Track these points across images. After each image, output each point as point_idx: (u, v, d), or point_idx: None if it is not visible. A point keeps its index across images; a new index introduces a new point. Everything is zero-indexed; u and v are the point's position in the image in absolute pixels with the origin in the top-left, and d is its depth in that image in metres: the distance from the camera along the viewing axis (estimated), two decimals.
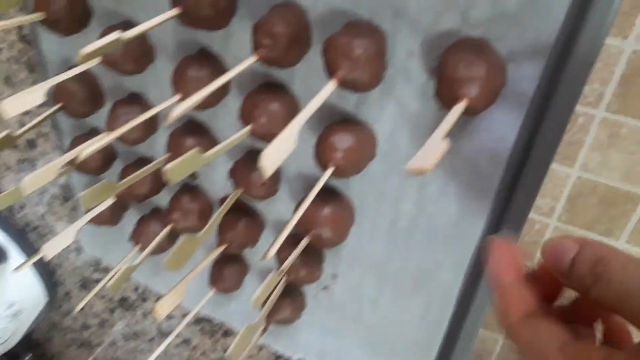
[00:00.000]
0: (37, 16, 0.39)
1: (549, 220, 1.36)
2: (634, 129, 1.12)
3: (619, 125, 1.12)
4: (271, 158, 0.26)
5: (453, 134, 0.33)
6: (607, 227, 1.27)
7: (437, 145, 0.23)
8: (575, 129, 1.16)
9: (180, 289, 0.41)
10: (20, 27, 0.49)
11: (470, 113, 0.29)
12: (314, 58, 0.35)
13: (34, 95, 0.35)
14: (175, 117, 0.27)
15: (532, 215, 1.36)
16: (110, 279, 0.43)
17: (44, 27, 0.41)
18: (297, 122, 0.27)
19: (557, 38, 0.27)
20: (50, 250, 0.42)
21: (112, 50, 0.31)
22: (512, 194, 0.33)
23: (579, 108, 1.13)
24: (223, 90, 0.39)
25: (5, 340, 0.70)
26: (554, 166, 1.27)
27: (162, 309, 0.39)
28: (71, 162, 0.49)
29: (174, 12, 0.33)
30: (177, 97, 0.38)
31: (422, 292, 0.41)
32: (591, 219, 1.27)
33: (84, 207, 0.40)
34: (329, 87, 0.30)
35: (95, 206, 0.46)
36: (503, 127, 0.31)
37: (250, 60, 0.32)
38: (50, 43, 0.46)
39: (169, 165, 0.30)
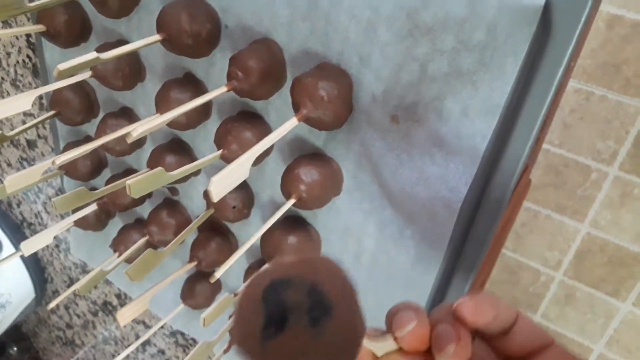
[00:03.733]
0: (39, 27, 0.42)
1: (555, 273, 1.34)
2: None
3: (632, 185, 1.11)
4: (221, 184, 0.27)
5: (410, 180, 0.33)
6: (614, 288, 1.25)
7: None
8: (588, 184, 1.16)
9: (145, 299, 0.42)
10: (28, 35, 0.52)
11: None
12: (288, 92, 0.36)
13: (22, 101, 0.37)
14: (136, 137, 0.29)
15: (539, 266, 1.34)
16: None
17: (45, 39, 0.43)
18: (252, 153, 0.28)
19: (509, 97, 0.28)
20: (28, 247, 0.44)
21: (94, 65, 0.33)
22: (465, 242, 0.33)
23: (592, 164, 1.13)
24: (204, 114, 0.41)
25: None
26: (564, 219, 1.26)
27: (124, 316, 0.40)
28: (61, 167, 0.51)
29: (157, 37, 0.34)
30: (158, 115, 0.39)
31: None
32: (598, 278, 1.25)
33: (57, 211, 0.42)
34: (291, 123, 0.31)
35: (76, 211, 0.47)
36: (456, 178, 0.31)
37: (221, 90, 0.33)
38: (54, 52, 0.49)
39: (132, 180, 0.31)
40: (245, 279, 0.45)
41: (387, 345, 0.21)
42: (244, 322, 0.17)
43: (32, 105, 0.39)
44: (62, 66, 0.29)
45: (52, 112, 0.47)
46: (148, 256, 0.39)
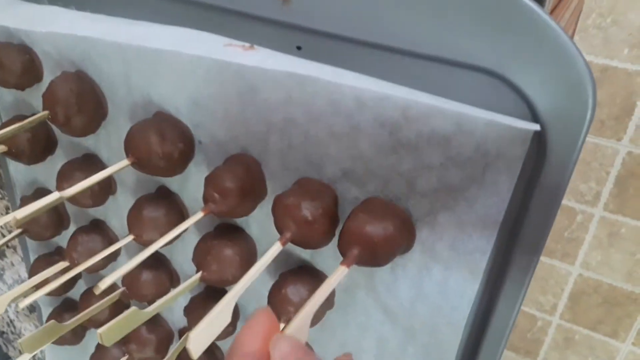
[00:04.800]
0: (0, 148, 0.39)
1: (551, 317, 1.32)
2: (634, 229, 1.10)
3: (618, 225, 1.11)
4: (200, 339, 0.24)
5: (409, 296, 0.31)
6: (612, 329, 1.23)
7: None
8: (575, 227, 1.15)
9: None
10: None
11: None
12: (269, 205, 0.34)
13: None
14: (104, 288, 0.26)
15: (534, 312, 1.31)
16: None
17: (9, 158, 0.41)
18: (231, 297, 0.26)
19: (507, 213, 0.26)
20: None
21: (59, 203, 0.30)
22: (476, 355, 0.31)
23: (577, 206, 1.12)
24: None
25: None
26: (555, 263, 1.25)
27: None
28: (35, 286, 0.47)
29: (125, 162, 0.32)
30: (131, 236, 0.37)
31: None
32: (595, 319, 1.23)
33: (25, 352, 0.38)
34: (275, 248, 0.29)
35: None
36: (458, 295, 0.29)
37: (197, 217, 0.31)
38: (18, 166, 0.46)
39: (103, 328, 0.28)
40: None
41: None
42: None
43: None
44: (19, 214, 0.26)
45: (18, 231, 0.44)
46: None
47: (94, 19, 0.30)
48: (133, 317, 0.30)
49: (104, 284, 0.26)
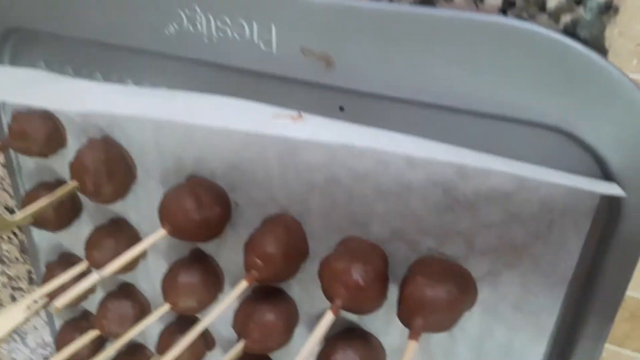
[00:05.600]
0: (26, 220, 0.38)
1: None
2: None
3: None
4: None
5: (471, 357, 0.29)
6: None
7: None
8: None
9: None
10: None
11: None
12: (313, 268, 0.32)
13: (12, 314, 0.33)
14: None
15: None
16: None
17: (35, 227, 0.40)
18: None
19: (576, 272, 0.25)
20: None
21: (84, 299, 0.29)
22: None
23: None
24: (216, 293, 0.37)
25: None
26: None
27: None
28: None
29: (162, 232, 0.31)
30: (167, 305, 0.35)
31: None
32: (622, 334, 1.19)
33: None
34: (328, 319, 0.27)
35: None
36: (524, 356, 0.27)
37: (242, 287, 0.29)
38: (42, 231, 0.45)
39: None
40: None
41: None
42: None
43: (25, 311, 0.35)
44: (59, 303, 0.25)
45: (46, 301, 0.42)
46: None
47: (125, 93, 0.29)
48: None
49: None
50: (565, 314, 0.26)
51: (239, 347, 0.32)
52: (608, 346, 1.29)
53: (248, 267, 0.30)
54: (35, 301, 0.38)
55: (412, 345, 0.24)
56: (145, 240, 0.30)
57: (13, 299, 0.55)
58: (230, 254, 0.35)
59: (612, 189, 0.20)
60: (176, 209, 0.31)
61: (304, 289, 0.34)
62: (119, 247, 0.37)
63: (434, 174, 0.26)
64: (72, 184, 0.34)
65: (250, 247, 0.30)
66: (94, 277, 0.27)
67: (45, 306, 0.41)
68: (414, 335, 0.25)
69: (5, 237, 0.50)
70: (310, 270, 0.33)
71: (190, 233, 0.31)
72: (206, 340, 0.40)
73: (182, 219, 0.31)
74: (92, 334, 0.42)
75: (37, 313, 0.40)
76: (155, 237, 0.30)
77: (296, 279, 0.34)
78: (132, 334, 0.38)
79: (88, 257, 0.37)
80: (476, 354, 0.29)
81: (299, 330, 0.35)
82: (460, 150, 0.24)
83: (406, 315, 0.26)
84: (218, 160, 0.32)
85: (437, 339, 0.30)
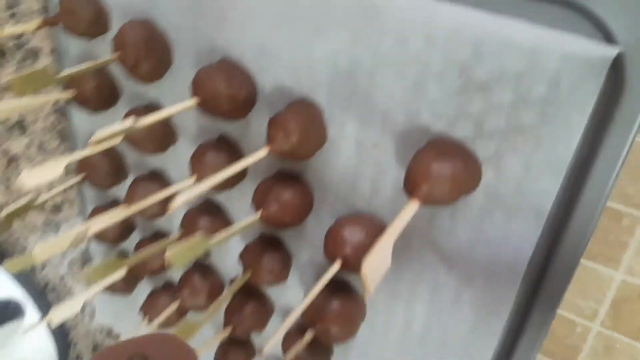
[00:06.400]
0: (68, 94, 0.41)
1: (592, 324, 1.28)
2: None
3: None
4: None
5: (468, 241, 0.31)
6: None
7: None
8: (620, 231, 1.12)
9: None
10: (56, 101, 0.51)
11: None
12: (328, 155, 0.34)
13: (53, 169, 0.36)
14: (176, 206, 0.27)
15: (574, 317, 1.28)
16: None
17: (74, 104, 0.43)
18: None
19: (576, 153, 0.26)
20: (57, 316, 0.42)
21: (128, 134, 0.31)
22: (529, 309, 0.31)
23: (622, 209, 1.10)
24: (240, 175, 0.39)
25: None
26: (598, 267, 1.22)
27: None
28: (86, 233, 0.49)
29: (192, 102, 0.33)
30: (192, 179, 0.38)
31: None
32: (637, 328, 1.19)
33: (86, 282, 0.40)
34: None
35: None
36: (520, 239, 0.29)
37: (261, 154, 0.32)
38: (81, 116, 0.48)
39: (171, 252, 0.30)
40: (283, 346, 0.42)
41: None
42: None
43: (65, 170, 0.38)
44: (97, 136, 0.28)
45: (80, 177, 0.46)
46: (183, 329, 0.37)
47: None
48: (200, 243, 0.31)
49: (176, 204, 0.27)
50: (562, 199, 0.27)
51: (255, 216, 0.35)
52: (622, 338, 1.28)
53: (270, 139, 0.32)
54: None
55: (413, 204, 0.26)
56: (175, 106, 0.32)
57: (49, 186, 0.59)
58: (254, 139, 0.38)
59: (609, 51, 0.22)
60: (207, 82, 0.33)
61: (318, 177, 0.36)
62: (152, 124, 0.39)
63: (451, 54, 0.27)
64: (113, 56, 0.36)
65: (273, 122, 0.32)
66: (127, 122, 0.29)
67: (78, 183, 0.45)
68: (417, 196, 0.27)
69: (46, 125, 0.54)
70: (326, 157, 0.35)
71: (218, 107, 0.34)
72: (227, 224, 0.43)
73: (212, 91, 0.33)
74: (122, 212, 0.45)
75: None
76: (183, 105, 0.33)
77: (311, 167, 0.36)
78: (154, 208, 0.41)
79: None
80: (476, 236, 0.31)
81: (310, 219, 0.38)
82: (480, 13, 0.25)
83: (412, 185, 0.28)
84: (249, 42, 0.34)
85: (439, 223, 0.32)
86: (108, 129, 0.28)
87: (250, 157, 0.32)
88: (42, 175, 0.36)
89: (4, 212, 0.39)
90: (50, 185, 0.58)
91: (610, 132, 0.25)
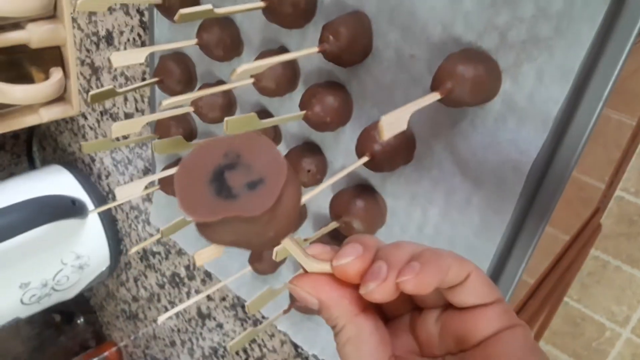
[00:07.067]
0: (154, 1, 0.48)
1: (622, 330, 1.27)
2: None
3: None
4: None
5: (482, 145, 0.36)
6: None
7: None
8: None
9: (220, 248, 0.46)
10: (141, 14, 0.59)
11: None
12: (371, 64, 0.39)
13: (137, 55, 0.43)
14: (240, 74, 0.33)
15: (604, 321, 1.27)
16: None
17: (159, 11, 0.49)
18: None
19: (582, 62, 0.30)
20: (121, 194, 0.49)
21: (205, 17, 0.37)
22: (529, 208, 0.35)
23: None
24: (292, 83, 0.45)
25: (65, 289, 0.78)
26: (635, 272, 1.20)
27: (200, 258, 0.43)
28: (156, 131, 0.56)
29: (260, 4, 0.39)
30: (251, 80, 0.44)
31: None
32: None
33: (156, 152, 0.47)
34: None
35: (166, 168, 0.52)
36: (527, 142, 0.33)
37: (311, 50, 0.37)
38: (162, 29, 0.55)
39: (230, 118, 0.36)
40: None
41: (322, 266, 0.23)
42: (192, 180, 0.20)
43: (145, 60, 0.45)
44: (183, 11, 0.34)
45: (156, 79, 0.53)
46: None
47: None
48: (252, 119, 0.37)
49: (240, 69, 0.33)
50: (567, 103, 0.31)
51: (300, 113, 0.41)
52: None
53: (321, 40, 0.38)
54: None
55: (434, 94, 0.31)
56: (243, 5, 0.38)
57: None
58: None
59: None
60: None
61: (362, 86, 0.41)
62: (222, 30, 0.46)
63: None
64: None
65: (327, 25, 0.38)
66: (208, 5, 0.35)
67: (152, 83, 0.51)
68: (440, 91, 0.31)
69: (131, 38, 0.61)
70: (369, 68, 0.40)
71: (281, 12, 0.39)
72: (277, 131, 0.49)
73: None
74: (194, 95, 0.51)
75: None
76: (248, 5, 0.38)
77: (355, 76, 0.41)
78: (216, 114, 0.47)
79: (198, 36, 0.46)
80: (489, 141, 0.35)
81: (349, 125, 0.43)
82: None
83: (437, 82, 0.33)
84: None
85: (459, 128, 0.36)
86: (192, 8, 0.34)
87: (301, 51, 0.37)
88: (129, 58, 0.43)
89: (91, 92, 0.46)
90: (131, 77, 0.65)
91: (611, 41, 0.29)
